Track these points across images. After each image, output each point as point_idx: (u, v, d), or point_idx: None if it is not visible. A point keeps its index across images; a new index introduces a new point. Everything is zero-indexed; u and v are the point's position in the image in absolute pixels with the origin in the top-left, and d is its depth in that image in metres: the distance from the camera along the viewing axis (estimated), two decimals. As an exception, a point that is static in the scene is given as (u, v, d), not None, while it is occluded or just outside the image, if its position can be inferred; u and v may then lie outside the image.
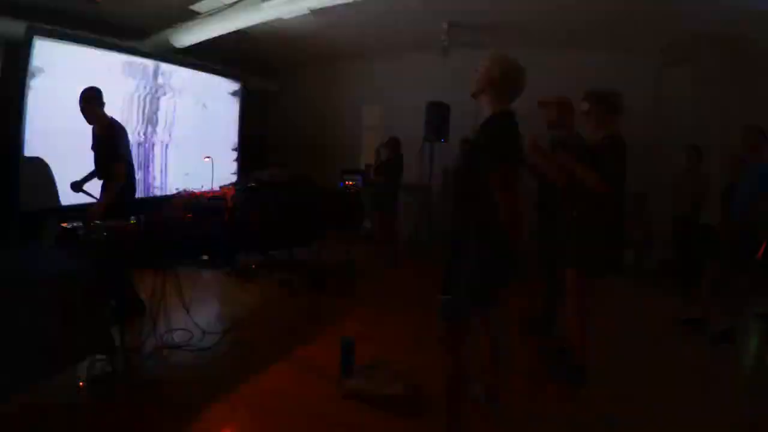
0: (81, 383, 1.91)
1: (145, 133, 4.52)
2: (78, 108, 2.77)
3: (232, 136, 5.92)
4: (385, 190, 4.59)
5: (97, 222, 2.27)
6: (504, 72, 1.51)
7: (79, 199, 3.99)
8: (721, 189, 4.20)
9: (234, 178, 5.41)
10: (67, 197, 3.84)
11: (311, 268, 3.90)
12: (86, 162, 3.99)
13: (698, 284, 3.40)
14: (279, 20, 4.66)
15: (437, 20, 4.87)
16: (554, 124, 2.66)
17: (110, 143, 2.79)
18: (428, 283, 3.94)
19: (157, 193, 4.69)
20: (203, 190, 3.32)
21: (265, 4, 4.13)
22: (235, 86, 5.86)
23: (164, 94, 4.65)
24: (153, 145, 4.63)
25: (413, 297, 3.51)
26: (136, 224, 2.31)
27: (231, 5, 4.41)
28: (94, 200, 2.81)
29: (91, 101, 2.76)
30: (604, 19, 4.36)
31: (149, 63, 4.54)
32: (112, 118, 2.89)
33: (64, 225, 2.28)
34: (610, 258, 2.04)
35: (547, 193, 2.71)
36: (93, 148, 2.92)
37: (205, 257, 3.79)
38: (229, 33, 4.68)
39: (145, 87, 4.49)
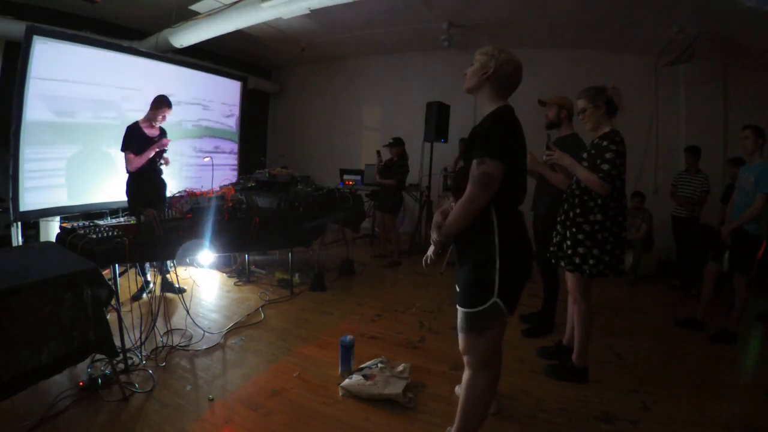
0: (81, 383, 1.91)
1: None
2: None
3: (231, 136, 5.92)
4: (388, 190, 4.58)
5: (98, 222, 2.30)
6: (500, 65, 1.43)
7: (80, 199, 4.01)
8: (721, 189, 4.21)
9: (234, 178, 5.41)
10: (67, 197, 3.86)
11: (311, 268, 3.91)
12: (85, 161, 4.01)
13: (698, 284, 3.41)
14: (279, 20, 4.66)
15: (437, 20, 4.87)
16: (554, 123, 2.68)
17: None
18: (428, 283, 3.96)
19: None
20: (203, 189, 3.33)
21: (265, 4, 4.14)
22: (234, 86, 5.86)
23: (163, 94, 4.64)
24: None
25: (413, 297, 3.52)
26: (136, 224, 2.31)
27: (231, 5, 4.42)
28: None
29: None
30: (603, 18, 4.36)
31: (149, 63, 4.54)
32: None
33: (65, 225, 2.28)
34: (611, 260, 2.01)
35: (545, 194, 2.72)
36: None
37: (205, 257, 3.79)
38: (229, 33, 4.68)
39: (144, 87, 4.49)
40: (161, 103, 3.13)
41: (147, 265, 3.11)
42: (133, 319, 2.42)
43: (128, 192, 3.15)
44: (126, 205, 3.28)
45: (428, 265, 1.59)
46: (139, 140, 3.06)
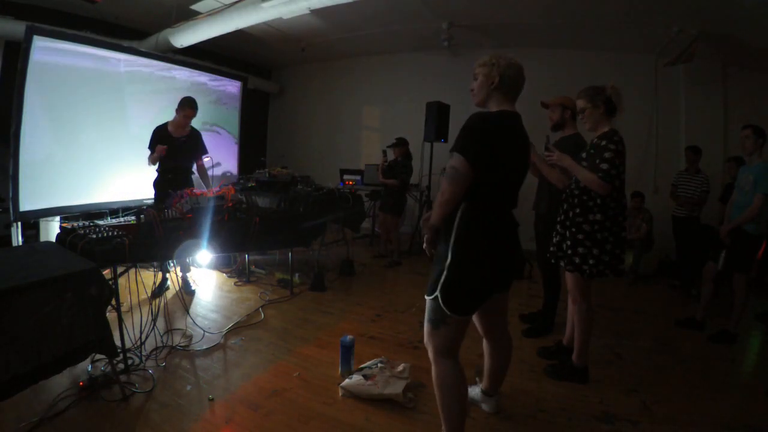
0: (81, 383, 1.91)
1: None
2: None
3: (232, 136, 5.92)
4: (391, 190, 4.57)
5: (98, 222, 2.32)
6: (503, 72, 1.46)
7: (80, 199, 4.01)
8: (721, 189, 4.21)
9: (234, 178, 5.41)
10: (67, 197, 3.86)
11: (311, 268, 3.91)
12: (84, 161, 4.00)
13: (698, 284, 3.41)
14: (279, 20, 4.66)
15: (437, 20, 4.87)
16: (559, 125, 2.65)
17: (200, 144, 3.44)
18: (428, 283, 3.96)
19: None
20: (203, 189, 3.34)
21: (265, 4, 4.13)
22: (235, 86, 5.86)
23: (163, 94, 4.65)
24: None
25: (413, 297, 3.52)
26: (136, 224, 2.31)
27: (231, 5, 4.42)
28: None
29: None
30: (603, 18, 4.36)
31: (149, 63, 4.54)
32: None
33: (65, 225, 2.28)
34: (611, 260, 2.01)
35: (546, 194, 2.72)
36: (180, 150, 3.28)
37: (205, 257, 3.79)
38: (229, 33, 4.68)
39: (144, 87, 4.50)
40: (183, 105, 3.26)
41: (169, 263, 3.19)
42: (133, 319, 2.42)
43: (154, 187, 3.36)
44: (127, 204, 3.53)
45: (426, 253, 1.61)
46: (162, 141, 3.20)
